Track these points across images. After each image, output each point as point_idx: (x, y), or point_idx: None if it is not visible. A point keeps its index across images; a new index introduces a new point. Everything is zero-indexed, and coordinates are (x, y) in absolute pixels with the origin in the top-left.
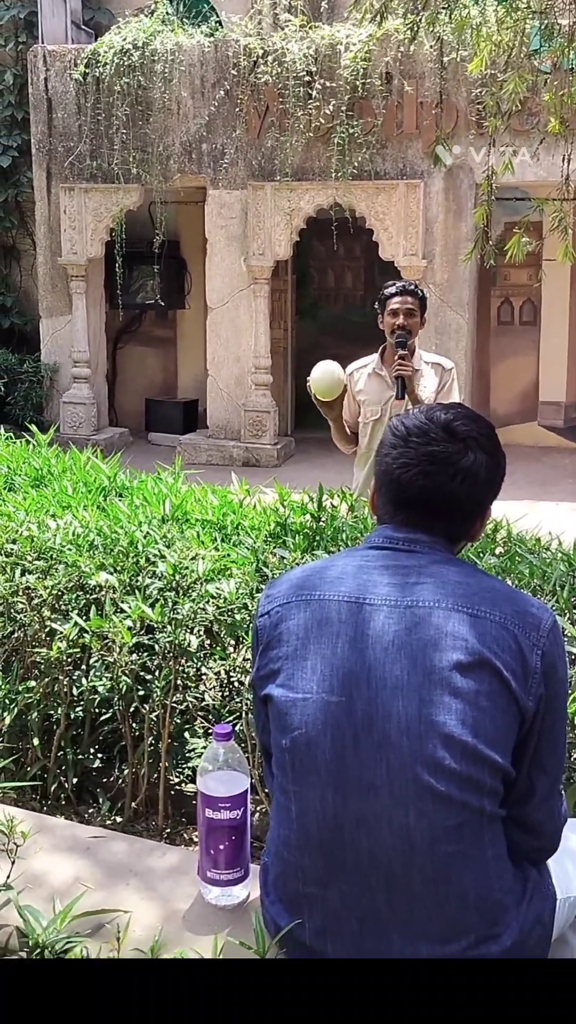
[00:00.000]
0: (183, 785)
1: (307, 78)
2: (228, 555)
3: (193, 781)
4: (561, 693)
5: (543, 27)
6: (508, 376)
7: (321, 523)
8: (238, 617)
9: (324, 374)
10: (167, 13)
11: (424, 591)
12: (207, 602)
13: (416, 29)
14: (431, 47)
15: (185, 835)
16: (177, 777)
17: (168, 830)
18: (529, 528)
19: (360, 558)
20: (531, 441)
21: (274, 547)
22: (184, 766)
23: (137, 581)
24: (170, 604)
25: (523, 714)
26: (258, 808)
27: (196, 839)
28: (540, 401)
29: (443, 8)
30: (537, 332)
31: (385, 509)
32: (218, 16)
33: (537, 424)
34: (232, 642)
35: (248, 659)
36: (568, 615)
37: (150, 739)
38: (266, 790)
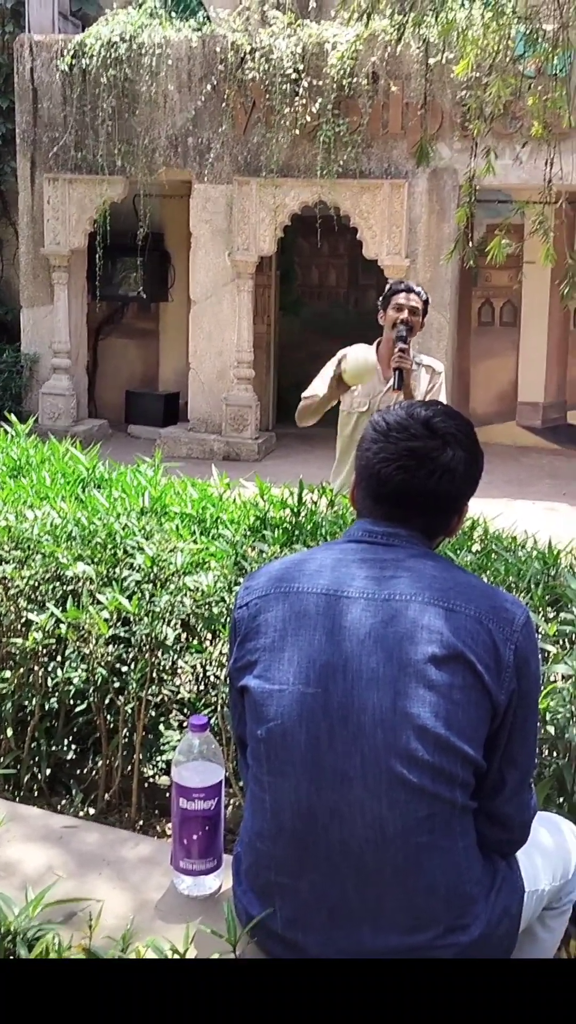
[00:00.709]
0: (156, 778)
1: (294, 76)
2: (207, 548)
3: (167, 774)
4: (533, 688)
5: (528, 33)
6: (488, 376)
7: (301, 518)
8: (215, 610)
9: (366, 361)
10: (155, 6)
11: (401, 585)
12: (185, 595)
13: (403, 30)
14: (417, 49)
15: (158, 827)
16: (151, 770)
17: (141, 822)
18: (506, 526)
19: (339, 551)
20: (509, 441)
21: (253, 541)
22: (158, 759)
23: (114, 573)
24: (147, 596)
25: (495, 708)
26: (232, 801)
27: (169, 831)
28: (519, 401)
29: (430, 10)
30: (517, 333)
31: (365, 503)
32: (206, 11)
33: (516, 424)
34: (209, 636)
35: (224, 653)
36: (542, 612)
37: (124, 731)
38: (240, 784)
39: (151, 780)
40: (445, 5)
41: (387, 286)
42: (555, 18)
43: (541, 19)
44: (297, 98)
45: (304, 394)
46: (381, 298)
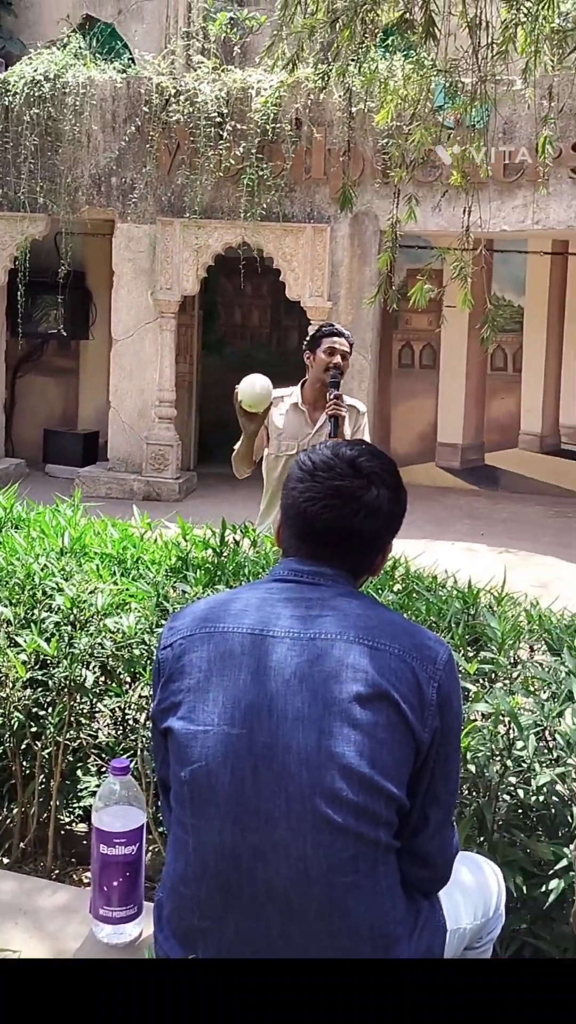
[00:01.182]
0: (74, 825)
1: (218, 119)
2: (128, 589)
3: (84, 821)
4: (455, 726)
5: (448, 85)
6: (408, 417)
7: (223, 558)
8: (136, 652)
9: (254, 384)
10: (80, 47)
11: (327, 623)
12: (105, 637)
13: (326, 79)
14: (340, 97)
15: (75, 876)
16: (68, 816)
17: (57, 871)
18: (426, 566)
19: (264, 590)
20: (429, 481)
21: (175, 581)
22: (75, 805)
23: (33, 614)
24: (67, 638)
25: (419, 746)
26: (152, 848)
27: (87, 880)
28: (438, 443)
29: (352, 60)
30: (436, 376)
31: (290, 542)
32: (131, 54)
33: (435, 465)
34: (128, 678)
35: (144, 696)
36: (463, 651)
37: (41, 777)
38: (160, 830)
39: (68, 827)
40: (368, 56)
41: (315, 328)
42: (474, 71)
43: (460, 72)
44: (221, 141)
45: (235, 447)
46: (309, 339)
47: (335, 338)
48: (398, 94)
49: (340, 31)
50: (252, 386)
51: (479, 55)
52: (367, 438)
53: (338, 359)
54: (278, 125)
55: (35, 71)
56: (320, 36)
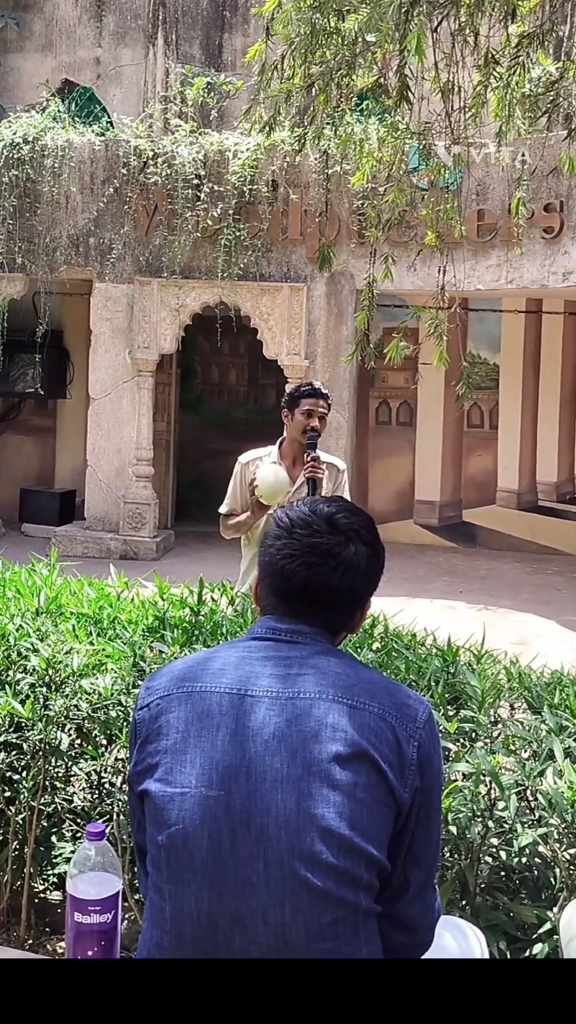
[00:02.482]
0: (48, 893)
1: (196, 181)
2: (104, 649)
3: (58, 889)
4: (435, 786)
5: (421, 147)
6: (385, 474)
7: (201, 617)
8: (112, 714)
9: (275, 481)
10: (59, 110)
11: (306, 683)
12: (81, 698)
13: (302, 142)
14: (316, 159)
15: (49, 946)
16: (42, 884)
17: (31, 941)
18: (405, 624)
19: (243, 649)
20: (407, 539)
21: (152, 641)
22: (49, 872)
23: (7, 675)
24: (42, 700)
25: (399, 807)
26: (127, 916)
27: (60, 950)
28: (416, 500)
29: (328, 124)
30: (413, 433)
31: (268, 600)
32: (110, 117)
33: (413, 522)
34: (104, 741)
35: (121, 759)
36: (443, 710)
37: (15, 843)
38: (136, 897)
39: (42, 895)
40: (343, 119)
41: (295, 387)
42: (447, 134)
43: (434, 135)
44: (199, 203)
45: (221, 510)
46: (288, 397)
47: (313, 399)
48: (373, 156)
49: (316, 95)
50: (274, 484)
51: (452, 119)
52: (347, 495)
53: (315, 422)
54: (255, 187)
55: (14, 134)
56: (296, 100)
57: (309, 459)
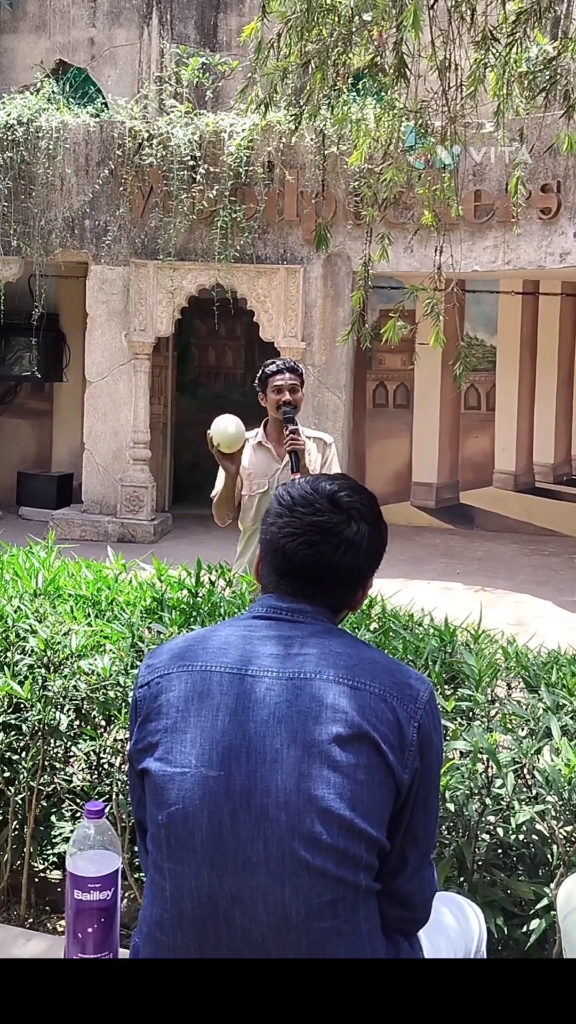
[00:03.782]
0: (48, 872)
1: (191, 162)
2: (102, 631)
3: (58, 868)
4: (435, 765)
5: (417, 126)
6: (382, 457)
7: (198, 598)
8: (111, 694)
9: (227, 426)
10: (53, 92)
11: (306, 662)
12: (79, 679)
13: (298, 122)
14: (312, 139)
15: (49, 925)
16: (42, 864)
17: (31, 920)
18: (403, 604)
19: (243, 628)
20: (404, 520)
21: (150, 623)
22: (49, 852)
23: (6, 657)
24: (40, 681)
25: (399, 787)
26: (127, 894)
27: (60, 928)
28: (413, 482)
29: (324, 104)
30: (410, 415)
31: (269, 578)
32: (104, 98)
33: (410, 504)
34: (103, 721)
35: (119, 739)
36: (440, 689)
37: (14, 823)
38: (136, 876)
39: (42, 874)
40: (339, 99)
41: (262, 367)
42: (443, 114)
43: (429, 114)
44: (194, 184)
45: (213, 496)
46: (258, 380)
47: (279, 376)
48: (369, 135)
49: (312, 74)
50: (225, 428)
51: (449, 97)
52: (337, 468)
53: (287, 396)
54: (251, 168)
55: (8, 116)
56: (292, 79)
57: (288, 432)
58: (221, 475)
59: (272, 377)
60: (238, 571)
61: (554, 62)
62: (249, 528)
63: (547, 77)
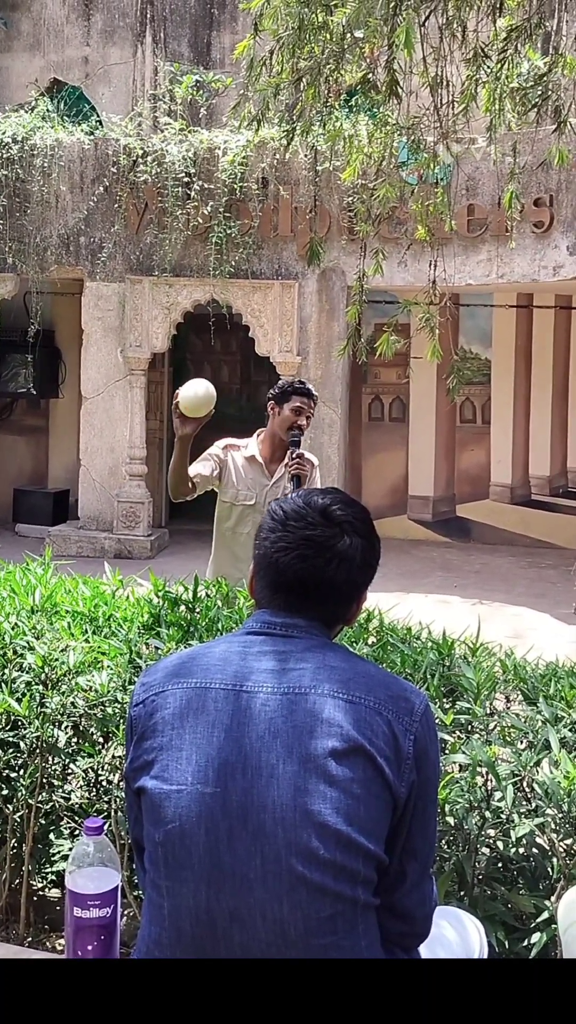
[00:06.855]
0: (46, 890)
1: (186, 179)
2: (100, 647)
3: (57, 886)
4: (432, 778)
5: (410, 142)
6: (378, 470)
7: (196, 614)
8: (109, 710)
9: (197, 389)
10: (48, 110)
11: (302, 676)
12: (77, 695)
13: (291, 138)
14: (305, 156)
15: (48, 943)
16: (40, 882)
17: (30, 939)
18: (400, 618)
19: (238, 643)
20: (401, 534)
21: (148, 638)
22: (48, 870)
23: (3, 674)
24: (38, 698)
25: (396, 800)
26: (126, 912)
27: (60, 947)
28: (409, 495)
29: (317, 120)
30: (406, 428)
31: (263, 593)
32: (99, 116)
33: (407, 518)
34: (101, 738)
35: (117, 756)
36: (439, 702)
37: (13, 841)
38: (135, 894)
39: (41, 893)
40: (332, 115)
41: (287, 381)
42: (435, 130)
43: (422, 130)
44: (189, 200)
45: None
46: (278, 391)
47: (303, 397)
48: (362, 151)
49: (304, 91)
50: (195, 392)
51: (441, 113)
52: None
53: (302, 420)
54: (245, 184)
55: (3, 133)
56: (285, 96)
57: (295, 456)
58: (199, 461)
59: (296, 395)
60: (206, 578)
61: (545, 78)
62: (222, 537)
63: (539, 93)
